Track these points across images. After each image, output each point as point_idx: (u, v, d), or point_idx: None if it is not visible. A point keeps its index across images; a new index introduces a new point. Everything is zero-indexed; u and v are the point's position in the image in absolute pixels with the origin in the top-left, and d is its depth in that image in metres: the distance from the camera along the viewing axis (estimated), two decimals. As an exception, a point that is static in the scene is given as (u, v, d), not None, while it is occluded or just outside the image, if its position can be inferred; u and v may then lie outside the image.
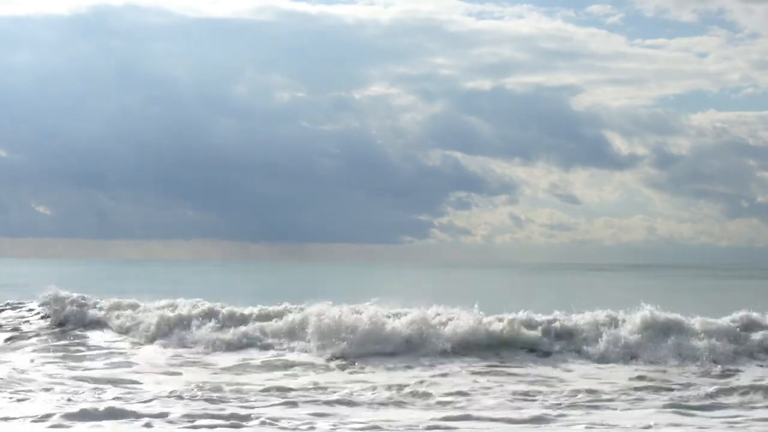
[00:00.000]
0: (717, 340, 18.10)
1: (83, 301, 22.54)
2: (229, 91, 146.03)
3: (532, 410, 12.91)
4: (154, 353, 18.53)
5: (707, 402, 13.72)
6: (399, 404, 13.34)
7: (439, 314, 19.57)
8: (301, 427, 11.75)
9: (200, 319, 20.38)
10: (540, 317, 19.74)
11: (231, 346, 18.98)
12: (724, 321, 19.13)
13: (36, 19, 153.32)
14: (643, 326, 18.71)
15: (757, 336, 18.62)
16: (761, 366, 17.34)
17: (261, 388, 14.38)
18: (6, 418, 11.79)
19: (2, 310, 23.72)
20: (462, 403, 13.45)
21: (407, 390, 14.28)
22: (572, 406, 13.30)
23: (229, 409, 12.63)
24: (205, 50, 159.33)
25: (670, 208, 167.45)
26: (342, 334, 18.39)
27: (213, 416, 12.09)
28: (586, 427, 11.95)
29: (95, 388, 14.08)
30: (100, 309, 22.27)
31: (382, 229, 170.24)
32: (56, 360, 17.27)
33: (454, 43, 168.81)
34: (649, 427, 11.94)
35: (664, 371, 16.63)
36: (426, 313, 19.48)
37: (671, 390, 14.64)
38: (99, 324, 21.64)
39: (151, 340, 19.96)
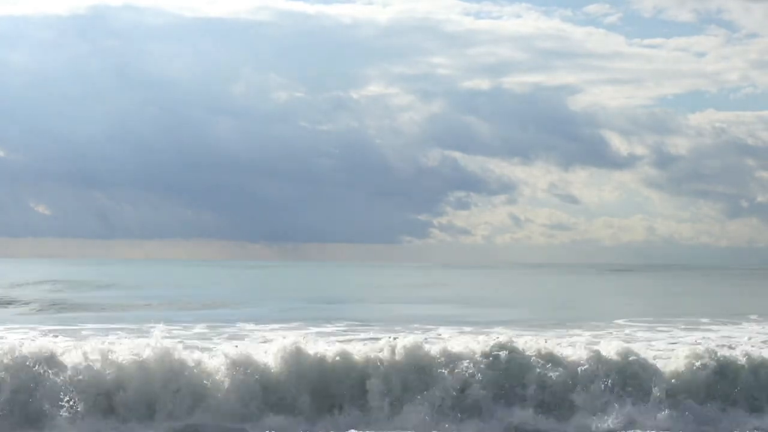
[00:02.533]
0: None
1: None
2: (226, 91, 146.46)
3: None
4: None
5: None
6: None
7: None
8: None
9: None
10: None
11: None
12: None
13: (34, 19, 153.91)
14: None
15: None
16: None
17: None
18: None
19: None
20: None
21: None
22: None
23: None
24: (203, 50, 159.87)
25: (670, 208, 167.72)
26: None
27: None
28: None
29: None
30: None
31: (381, 229, 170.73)
32: None
33: (452, 42, 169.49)
34: None
35: None
36: None
37: None
38: None
39: None
